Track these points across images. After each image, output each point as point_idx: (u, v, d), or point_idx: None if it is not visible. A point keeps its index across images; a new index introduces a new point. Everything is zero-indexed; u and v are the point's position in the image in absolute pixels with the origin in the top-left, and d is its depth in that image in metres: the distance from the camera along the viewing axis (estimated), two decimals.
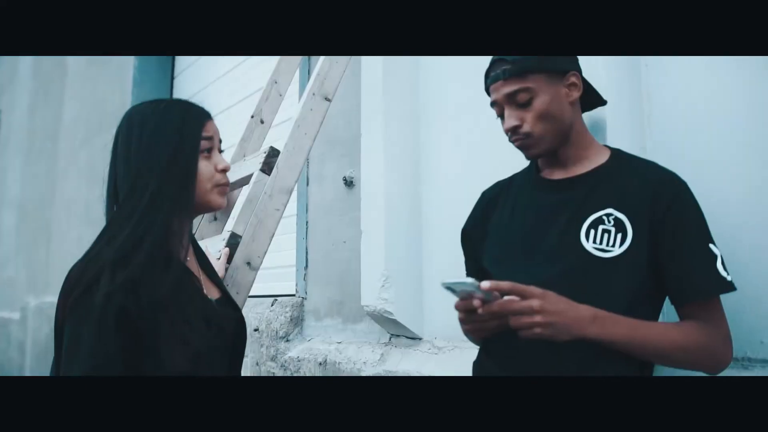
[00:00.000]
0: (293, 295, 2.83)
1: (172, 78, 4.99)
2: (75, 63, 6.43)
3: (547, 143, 1.24)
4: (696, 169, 1.37)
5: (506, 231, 1.31)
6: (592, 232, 1.18)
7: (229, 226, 1.82)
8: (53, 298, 5.70)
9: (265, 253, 1.81)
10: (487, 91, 1.28)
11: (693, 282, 1.13)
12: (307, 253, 2.75)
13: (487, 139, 1.83)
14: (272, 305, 2.82)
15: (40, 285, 6.63)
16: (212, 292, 1.24)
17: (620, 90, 1.50)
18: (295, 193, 2.88)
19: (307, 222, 2.79)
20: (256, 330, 2.82)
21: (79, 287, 1.01)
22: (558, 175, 1.29)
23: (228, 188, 1.24)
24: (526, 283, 1.17)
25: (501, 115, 1.26)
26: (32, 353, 6.38)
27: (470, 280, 1.02)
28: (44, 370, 5.93)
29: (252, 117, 2.28)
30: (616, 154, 1.29)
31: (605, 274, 1.15)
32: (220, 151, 1.22)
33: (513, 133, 1.24)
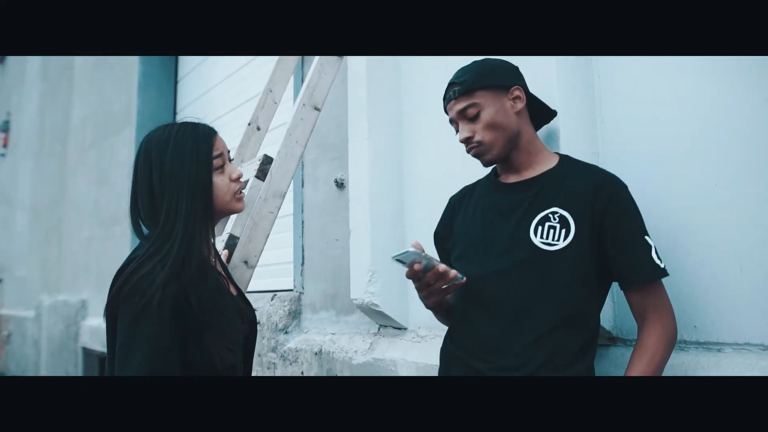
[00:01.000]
0: (291, 290, 3.00)
1: (176, 81, 5.14)
2: (81, 66, 6.55)
3: (497, 149, 1.41)
4: (645, 170, 1.54)
5: (469, 229, 1.48)
6: (540, 228, 1.35)
7: (228, 228, 1.99)
8: (66, 297, 5.89)
9: (261, 252, 1.97)
10: (446, 111, 1.45)
11: (633, 267, 1.30)
12: (303, 250, 2.91)
13: (463, 146, 1.99)
14: (272, 300, 3.00)
15: (53, 283, 6.78)
16: (232, 290, 1.43)
17: (573, 97, 1.65)
18: (291, 195, 3.05)
19: (302, 221, 2.94)
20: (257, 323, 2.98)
21: (136, 297, 1.16)
22: (512, 179, 1.46)
23: (244, 192, 1.45)
24: (484, 274, 1.36)
25: (457, 130, 1.43)
26: (47, 350, 6.54)
27: (413, 249, 1.22)
28: (58, 366, 6.09)
29: (249, 124, 2.45)
30: (564, 159, 1.45)
31: (550, 264, 1.32)
32: (230, 160, 1.40)
33: (467, 144, 1.42)
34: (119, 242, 5.04)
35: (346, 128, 2.40)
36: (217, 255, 1.51)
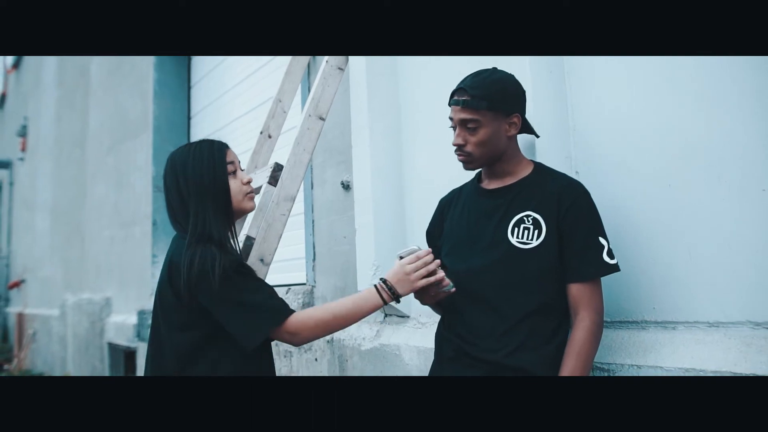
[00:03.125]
0: (304, 284, 3.22)
1: (189, 87, 5.36)
2: (97, 74, 6.76)
3: (481, 162, 1.63)
4: (611, 171, 1.74)
5: (456, 229, 1.70)
6: (516, 229, 1.56)
7: (245, 230, 2.22)
8: (90, 295, 6.16)
9: (275, 250, 2.19)
10: (450, 105, 1.63)
11: (579, 267, 1.51)
12: (314, 247, 3.12)
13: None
14: (287, 293, 3.22)
15: (76, 282, 7.03)
16: None
17: (545, 106, 1.85)
18: (301, 195, 3.26)
19: (312, 220, 3.16)
20: None
21: (210, 273, 1.46)
22: (493, 185, 1.67)
23: (254, 193, 1.73)
24: (468, 269, 1.57)
25: (453, 128, 1.63)
26: (73, 346, 6.80)
27: (414, 246, 1.53)
28: (85, 362, 6.34)
29: (261, 133, 2.67)
30: (538, 167, 1.66)
31: (525, 261, 1.53)
32: (241, 169, 1.67)
33: (457, 149, 1.61)
34: (140, 242, 5.28)
35: (350, 134, 2.61)
36: (242, 250, 1.76)
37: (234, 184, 1.62)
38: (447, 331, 1.66)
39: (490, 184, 1.69)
